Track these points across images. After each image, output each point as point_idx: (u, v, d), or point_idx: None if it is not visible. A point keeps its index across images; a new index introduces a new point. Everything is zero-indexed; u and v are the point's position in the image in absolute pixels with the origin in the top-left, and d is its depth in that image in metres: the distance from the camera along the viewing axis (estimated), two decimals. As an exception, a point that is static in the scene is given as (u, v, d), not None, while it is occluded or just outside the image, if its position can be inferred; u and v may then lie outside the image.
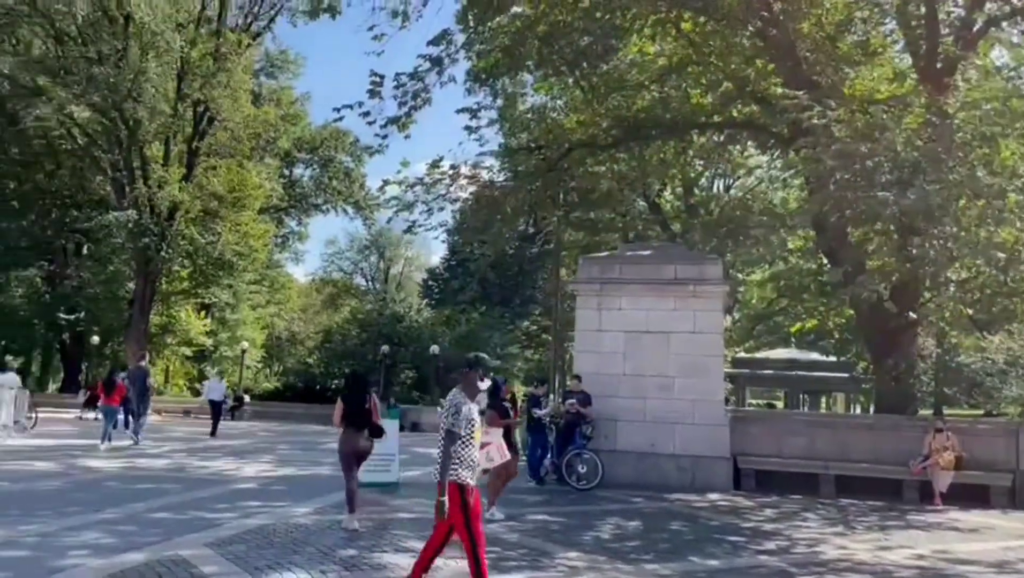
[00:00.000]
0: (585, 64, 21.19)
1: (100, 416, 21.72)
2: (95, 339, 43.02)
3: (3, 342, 46.99)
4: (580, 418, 14.37)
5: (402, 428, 18.33)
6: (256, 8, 39.45)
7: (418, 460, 18.01)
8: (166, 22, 34.14)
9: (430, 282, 60.80)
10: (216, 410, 24.61)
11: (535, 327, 53.32)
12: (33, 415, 22.73)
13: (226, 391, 28.36)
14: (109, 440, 18.50)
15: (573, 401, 14.50)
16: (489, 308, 48.70)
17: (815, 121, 14.00)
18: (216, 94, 36.08)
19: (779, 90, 17.52)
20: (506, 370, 46.03)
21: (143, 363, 22.93)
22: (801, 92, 15.23)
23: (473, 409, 5.86)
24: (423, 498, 11.91)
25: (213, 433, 23.48)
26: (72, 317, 42.53)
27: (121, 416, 23.01)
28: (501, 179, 24.71)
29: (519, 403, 17.24)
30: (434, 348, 40.58)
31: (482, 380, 5.96)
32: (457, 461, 5.64)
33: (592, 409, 14.45)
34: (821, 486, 14.42)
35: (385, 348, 41.57)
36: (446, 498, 5.55)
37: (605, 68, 21.48)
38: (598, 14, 18.53)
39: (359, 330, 46.78)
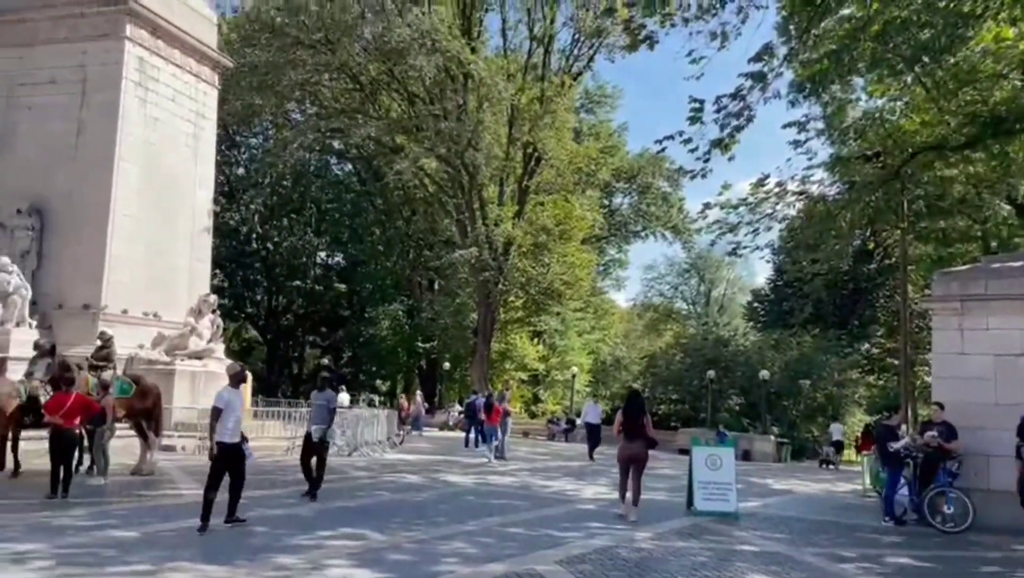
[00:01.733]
0: (927, 59, 19.19)
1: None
2: (446, 364, 47.94)
3: (374, 368, 54.31)
4: (943, 453, 12.84)
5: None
6: (576, 50, 41.60)
7: (754, 490, 17.37)
8: (498, 74, 37.35)
9: (755, 304, 58.70)
10: (593, 433, 25.06)
11: (877, 350, 48.95)
12: (401, 432, 25.84)
13: (602, 414, 28.79)
14: (495, 456, 20.62)
15: (934, 433, 13.00)
16: (823, 330, 45.69)
17: None
18: (543, 135, 38.58)
19: None
20: (846, 397, 42.76)
21: (488, 392, 25.04)
22: None
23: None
24: (766, 531, 11.46)
25: (591, 456, 23.92)
26: (427, 345, 47.91)
27: (473, 435, 25.26)
28: (833, 192, 23.22)
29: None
30: (763, 373, 39.01)
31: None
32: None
33: (958, 442, 12.85)
34: None
35: (711, 373, 40.87)
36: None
37: (952, 61, 19.27)
38: (941, 3, 16.72)
39: (683, 355, 46.60)
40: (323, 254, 54.60)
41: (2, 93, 24.33)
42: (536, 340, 50.08)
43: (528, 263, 40.23)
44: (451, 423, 38.56)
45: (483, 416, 23.11)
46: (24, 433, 13.55)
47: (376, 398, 40.72)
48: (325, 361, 53.83)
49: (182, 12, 26.16)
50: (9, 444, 13.31)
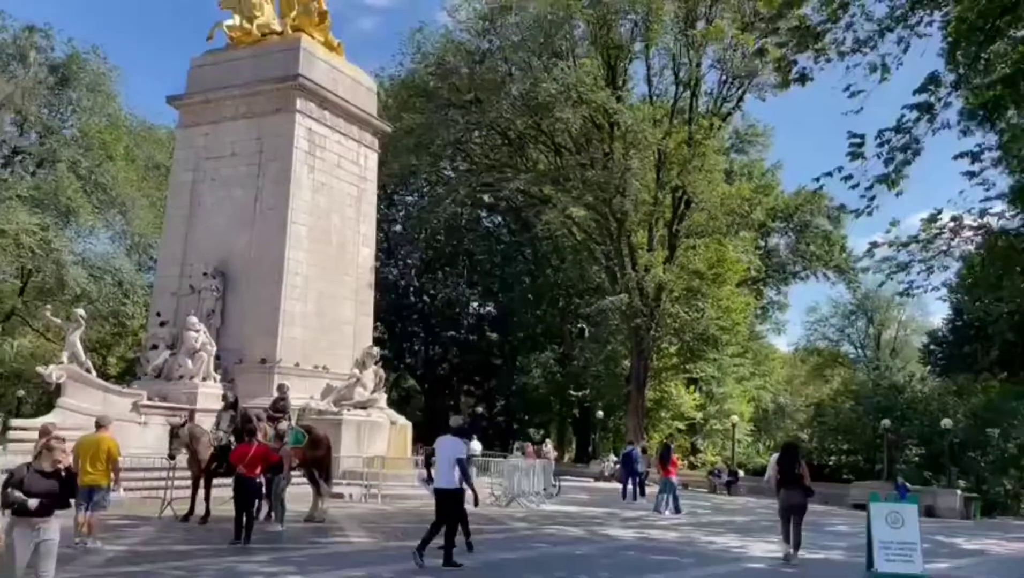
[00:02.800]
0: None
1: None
2: (599, 413, 47.51)
3: (527, 416, 54.69)
4: None
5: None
6: (724, 91, 41.01)
7: (941, 550, 15.95)
8: (645, 121, 37.38)
9: (932, 347, 54.55)
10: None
11: (1079, 395, 44.08)
12: (557, 483, 25.72)
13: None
14: (670, 510, 20.24)
15: None
16: (1011, 374, 41.77)
17: None
18: (692, 178, 38.07)
19: None
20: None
21: (641, 444, 24.55)
22: None
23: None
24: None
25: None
26: (580, 393, 47.75)
27: (630, 487, 24.78)
28: (1016, 224, 21.34)
29: None
30: (946, 422, 35.99)
31: None
32: None
33: None
34: None
35: (886, 422, 38.18)
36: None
37: None
38: None
39: (853, 403, 43.95)
40: (475, 304, 56.02)
41: (191, 167, 26.89)
42: (692, 388, 48.75)
43: (681, 308, 39.45)
44: (606, 473, 38.02)
45: (656, 467, 22.59)
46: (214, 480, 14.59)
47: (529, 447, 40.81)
48: (480, 410, 54.87)
49: (346, 84, 28.05)
50: (202, 491, 14.36)
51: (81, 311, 22.25)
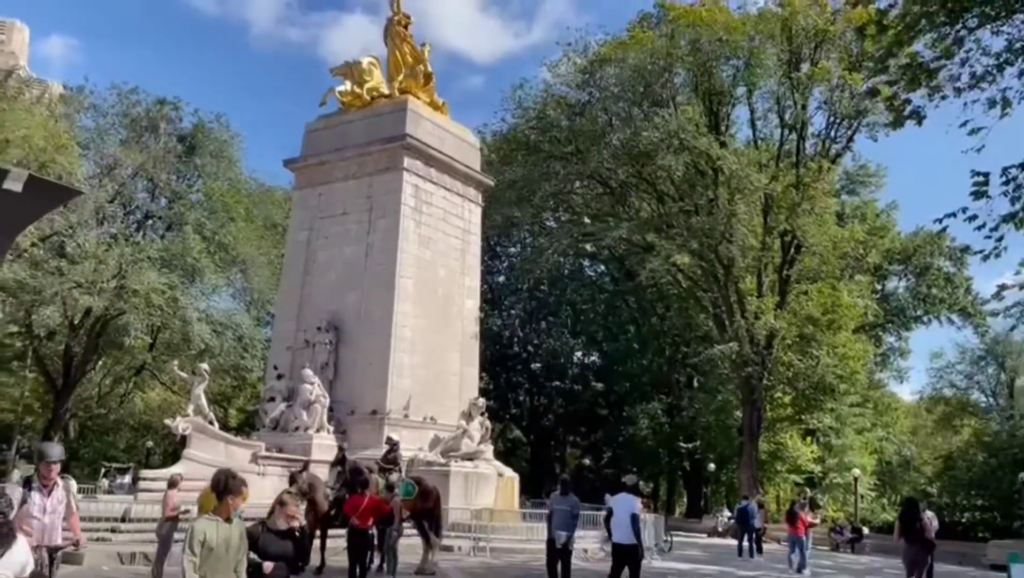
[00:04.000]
0: None
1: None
2: (711, 465, 46.02)
3: (635, 468, 53.50)
4: None
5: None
6: (833, 132, 39.90)
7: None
8: (750, 166, 36.73)
9: (1073, 394, 50.48)
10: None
11: None
12: (669, 538, 24.96)
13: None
14: (800, 570, 19.42)
15: None
16: None
17: None
18: (801, 222, 36.97)
19: None
20: None
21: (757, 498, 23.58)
22: None
23: None
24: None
25: None
26: (690, 445, 46.47)
27: (746, 543, 23.80)
28: None
29: None
30: (1094, 476, 33.11)
31: None
32: None
33: None
34: None
35: (1022, 476, 35.41)
36: None
37: None
38: None
39: (986, 455, 41.03)
40: (580, 354, 55.71)
41: (306, 226, 28.16)
42: (809, 439, 46.62)
43: (794, 356, 38.02)
44: (720, 529, 36.64)
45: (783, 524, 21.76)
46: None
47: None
48: (586, 462, 54.15)
49: (450, 141, 28.91)
50: (318, 541, 14.69)
51: (205, 365, 23.43)
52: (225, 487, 5.73)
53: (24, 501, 7.11)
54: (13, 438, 46.92)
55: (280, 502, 6.54)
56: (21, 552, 6.02)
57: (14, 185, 3.75)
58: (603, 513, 15.05)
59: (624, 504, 11.76)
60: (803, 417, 43.54)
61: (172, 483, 13.20)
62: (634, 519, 11.36)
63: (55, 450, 7.73)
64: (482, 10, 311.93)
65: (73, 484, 13.19)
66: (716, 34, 36.30)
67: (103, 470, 42.67)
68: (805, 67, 37.69)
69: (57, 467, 7.49)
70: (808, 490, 32.33)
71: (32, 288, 34.55)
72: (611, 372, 52.18)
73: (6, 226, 4.88)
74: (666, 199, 39.84)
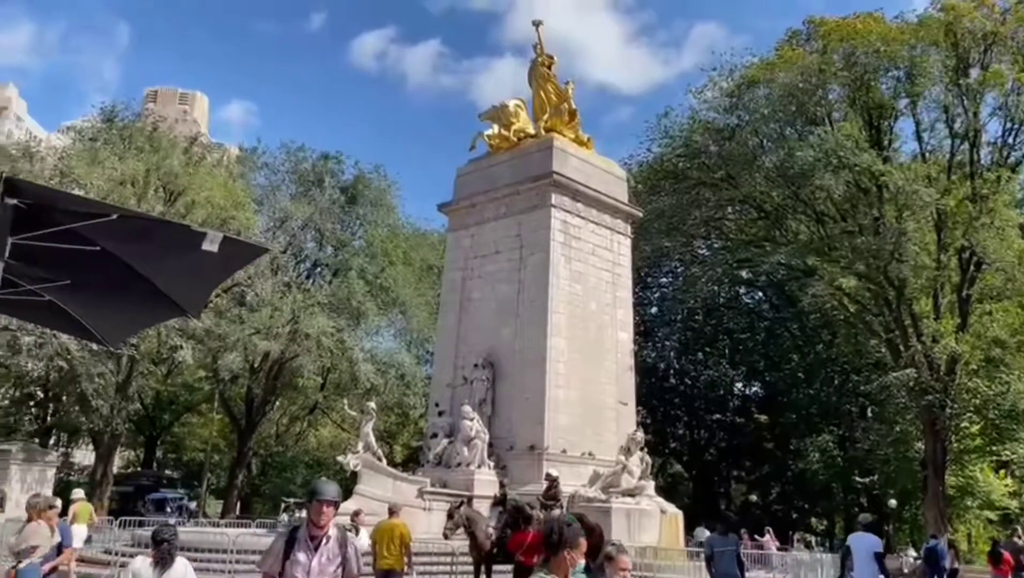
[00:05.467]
0: None
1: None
2: (892, 502, 42.79)
3: (806, 505, 50.71)
4: None
5: None
6: (1011, 138, 36.79)
7: None
8: (918, 180, 34.46)
9: None
10: None
11: None
12: (847, 580, 23.38)
13: None
14: None
15: None
16: None
17: None
18: (980, 237, 34.13)
19: None
20: None
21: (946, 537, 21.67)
22: None
23: None
24: None
25: None
26: (867, 480, 43.51)
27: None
28: None
29: None
30: None
31: None
32: None
33: None
34: None
35: None
36: None
37: None
38: None
39: None
40: (740, 385, 53.78)
41: (460, 266, 29.05)
42: (1003, 472, 42.52)
43: (981, 382, 34.94)
44: (905, 570, 33.87)
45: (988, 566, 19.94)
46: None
47: (813, 539, 37.74)
48: (753, 498, 51.90)
49: (597, 176, 29.06)
50: (483, 576, 14.89)
51: (372, 404, 24.52)
52: (560, 538, 4.56)
53: (287, 556, 5.46)
54: (204, 475, 50.87)
55: (608, 558, 5.44)
56: (178, 574, 6.58)
57: (211, 246, 4.13)
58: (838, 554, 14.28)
59: (864, 543, 11.24)
60: (995, 448, 39.81)
61: (355, 516, 13.69)
62: (878, 558, 10.70)
63: (330, 488, 5.62)
64: (629, 42, 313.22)
65: (361, 539, 12.02)
66: (873, 45, 34.63)
67: (283, 505, 45.39)
68: (974, 72, 35.14)
69: (332, 510, 5.54)
70: (1020, 529, 29.12)
71: (217, 335, 37.50)
72: (775, 403, 49.96)
73: (205, 283, 5.35)
74: (826, 220, 38.04)
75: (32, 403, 46.06)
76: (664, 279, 52.96)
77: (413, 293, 45.09)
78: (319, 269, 47.53)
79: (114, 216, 4.49)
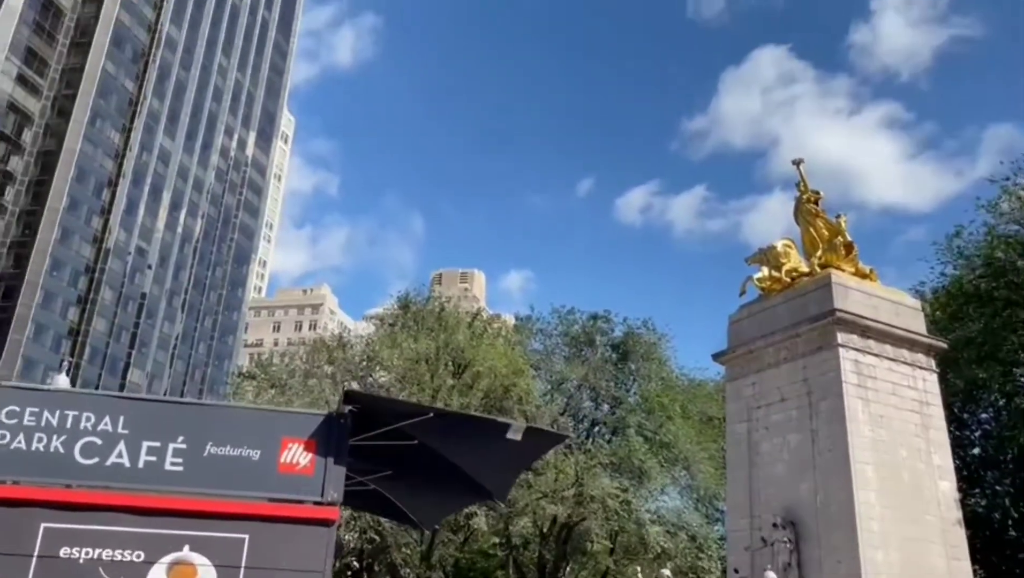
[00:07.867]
0: None
1: None
2: None
3: None
4: None
5: None
6: None
7: None
8: None
9: None
10: None
11: None
12: None
13: None
14: None
15: None
16: None
17: None
18: None
19: None
20: None
21: None
22: None
23: None
24: None
25: None
26: None
27: None
28: None
29: None
30: None
31: None
32: None
33: None
34: None
35: None
36: None
37: None
38: None
39: None
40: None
41: (744, 417, 27.70)
42: None
43: None
44: None
45: None
46: None
47: None
48: None
49: (885, 308, 26.87)
50: None
51: (667, 571, 23.52)
52: None
53: None
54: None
55: None
56: None
57: (515, 435, 4.32)
58: None
59: None
60: None
61: None
62: None
63: None
64: (912, 158, 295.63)
65: None
66: None
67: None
68: None
69: None
70: None
71: (509, 501, 38.64)
72: None
73: (510, 469, 5.59)
74: None
75: (349, 573, 49.83)
76: (984, 414, 46.38)
77: (695, 447, 43.60)
78: (597, 428, 47.84)
79: (430, 414, 4.89)
